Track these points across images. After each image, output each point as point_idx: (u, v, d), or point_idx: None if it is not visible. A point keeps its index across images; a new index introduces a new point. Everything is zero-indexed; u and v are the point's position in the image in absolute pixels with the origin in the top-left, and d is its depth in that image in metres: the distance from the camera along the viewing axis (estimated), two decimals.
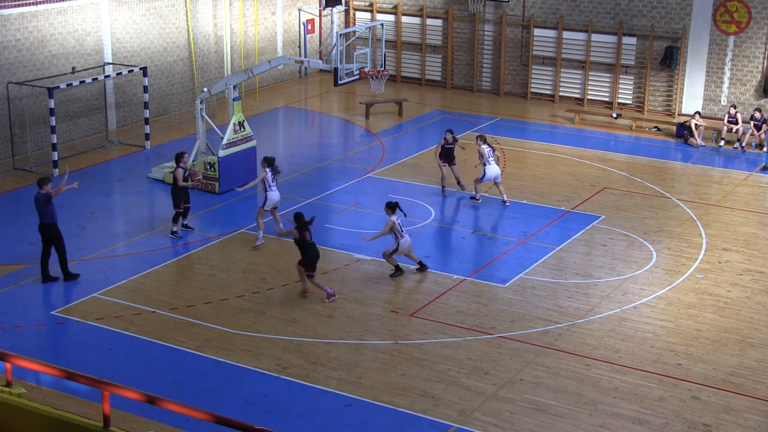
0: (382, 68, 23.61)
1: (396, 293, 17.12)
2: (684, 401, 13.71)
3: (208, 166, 21.73)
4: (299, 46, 32.79)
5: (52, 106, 22.52)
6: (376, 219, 19.86)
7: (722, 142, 26.17)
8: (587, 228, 20.13)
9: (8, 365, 8.35)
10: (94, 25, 25.53)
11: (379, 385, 13.96)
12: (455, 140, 21.66)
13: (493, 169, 20.90)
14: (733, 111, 26.15)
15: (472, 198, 21.49)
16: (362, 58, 23.26)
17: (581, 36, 29.91)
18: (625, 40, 29.25)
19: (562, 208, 21.24)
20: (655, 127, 27.74)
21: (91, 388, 9.47)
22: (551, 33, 30.35)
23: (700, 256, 18.76)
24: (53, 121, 22.65)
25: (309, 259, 16.46)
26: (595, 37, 29.66)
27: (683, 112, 28.63)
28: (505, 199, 21.28)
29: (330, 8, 29.52)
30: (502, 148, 25.03)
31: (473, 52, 31.65)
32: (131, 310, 16.20)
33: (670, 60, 28.48)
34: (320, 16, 33.28)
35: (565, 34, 30.09)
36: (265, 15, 31.45)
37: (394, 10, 32.58)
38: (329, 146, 26.51)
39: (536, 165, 24.46)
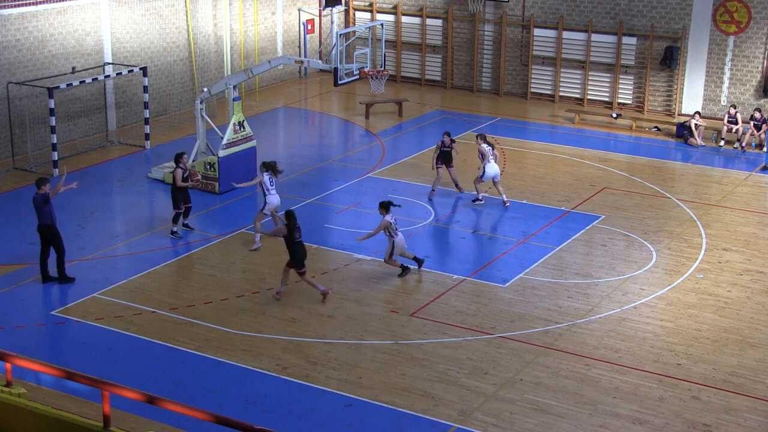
0: (382, 68, 23.61)
1: (396, 293, 17.11)
2: (684, 401, 13.70)
3: (208, 166, 21.73)
4: (299, 46, 32.78)
5: (52, 106, 22.52)
6: (377, 219, 19.77)
7: (722, 142, 26.17)
8: (587, 228, 20.13)
9: (8, 365, 8.34)
10: (94, 25, 25.53)
11: (379, 385, 13.96)
12: (453, 143, 21.65)
13: (492, 168, 20.90)
14: (733, 111, 26.14)
15: (475, 200, 21.43)
16: (362, 58, 23.25)
17: (581, 36, 29.90)
18: (625, 40, 29.24)
19: (562, 208, 21.24)
20: (655, 127, 27.73)
21: (91, 388, 9.45)
22: (551, 33, 30.35)
23: (700, 256, 18.76)
24: (53, 121, 22.65)
25: (297, 258, 16.50)
26: (595, 37, 29.65)
27: (683, 112, 28.62)
28: (505, 199, 21.27)
29: (330, 8, 29.55)
30: (501, 148, 25.04)
31: (473, 52, 31.64)
32: (131, 310, 16.20)
33: (670, 60, 28.47)
34: (320, 16, 33.27)
35: (565, 34, 30.08)
36: (265, 15, 31.44)
37: (394, 10, 32.57)
38: (329, 146, 26.50)
39: (536, 165, 24.45)
